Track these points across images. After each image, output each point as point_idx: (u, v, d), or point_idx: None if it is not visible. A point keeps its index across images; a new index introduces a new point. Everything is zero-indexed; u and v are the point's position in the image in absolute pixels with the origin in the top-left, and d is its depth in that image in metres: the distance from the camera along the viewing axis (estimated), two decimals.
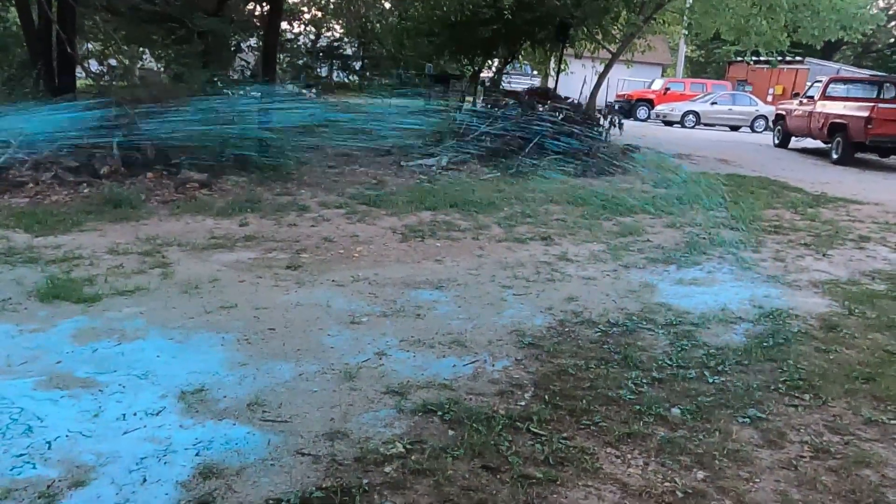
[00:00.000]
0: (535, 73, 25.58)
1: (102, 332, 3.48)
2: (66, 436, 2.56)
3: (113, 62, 11.84)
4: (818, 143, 15.13)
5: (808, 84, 17.17)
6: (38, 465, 2.38)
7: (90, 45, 12.62)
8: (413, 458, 2.53)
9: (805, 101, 15.51)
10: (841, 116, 13.67)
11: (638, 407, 2.99)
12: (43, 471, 2.35)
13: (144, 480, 2.33)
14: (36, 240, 5.05)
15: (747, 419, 2.96)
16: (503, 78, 18.49)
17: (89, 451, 2.47)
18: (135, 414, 2.74)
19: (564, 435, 2.75)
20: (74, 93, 9.69)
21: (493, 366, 3.37)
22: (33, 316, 3.65)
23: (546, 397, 3.04)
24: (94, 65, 11.40)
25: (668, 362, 3.49)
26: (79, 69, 10.06)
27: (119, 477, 2.34)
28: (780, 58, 18.80)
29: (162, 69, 14.20)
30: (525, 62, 22.49)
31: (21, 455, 2.43)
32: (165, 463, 2.43)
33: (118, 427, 2.65)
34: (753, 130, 23.24)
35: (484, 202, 7.14)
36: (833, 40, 17.92)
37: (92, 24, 11.70)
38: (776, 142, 17.02)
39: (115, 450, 2.49)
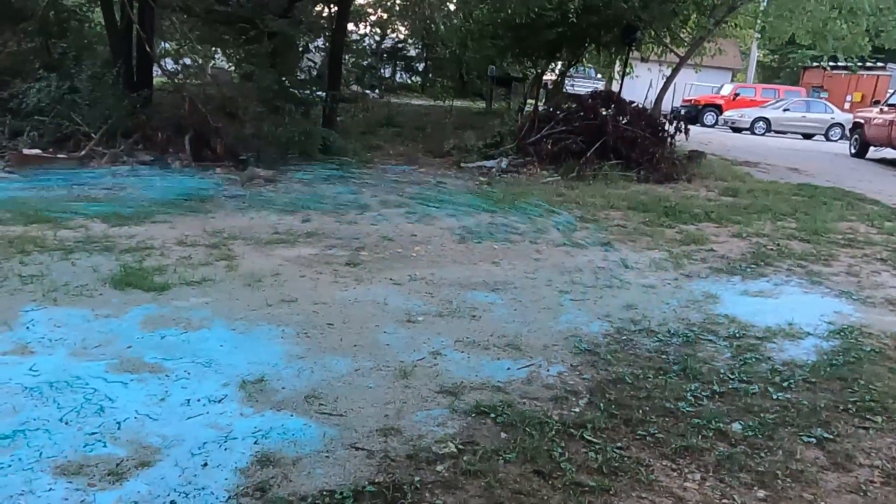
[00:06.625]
0: (599, 76, 25.18)
1: (170, 320, 3.63)
2: (135, 417, 2.68)
3: (187, 61, 12.32)
4: None
5: (890, 91, 16.34)
6: (108, 444, 2.50)
7: (166, 45, 13.17)
8: (465, 458, 2.53)
9: (886, 108, 14.76)
10: None
11: (696, 420, 2.91)
12: (112, 450, 2.47)
13: (206, 464, 2.41)
14: (112, 230, 5.30)
15: (813, 439, 2.84)
16: (566, 81, 18.28)
17: (155, 434, 2.58)
18: (198, 400, 2.84)
19: (619, 444, 2.70)
20: (151, 89, 10.14)
21: (548, 371, 3.34)
22: (107, 302, 3.83)
23: (601, 405, 3.00)
24: (169, 63, 11.89)
25: (730, 376, 3.38)
26: (155, 67, 10.52)
27: (182, 460, 2.43)
28: (860, 63, 17.95)
29: (232, 68, 14.68)
30: (589, 65, 22.17)
31: (93, 433, 2.55)
32: (226, 449, 2.51)
33: (182, 412, 2.75)
34: (828, 139, 22.23)
35: (543, 205, 7.08)
36: None
37: (169, 24, 12.21)
38: (852, 151, 16.25)
39: (179, 433, 2.59)
